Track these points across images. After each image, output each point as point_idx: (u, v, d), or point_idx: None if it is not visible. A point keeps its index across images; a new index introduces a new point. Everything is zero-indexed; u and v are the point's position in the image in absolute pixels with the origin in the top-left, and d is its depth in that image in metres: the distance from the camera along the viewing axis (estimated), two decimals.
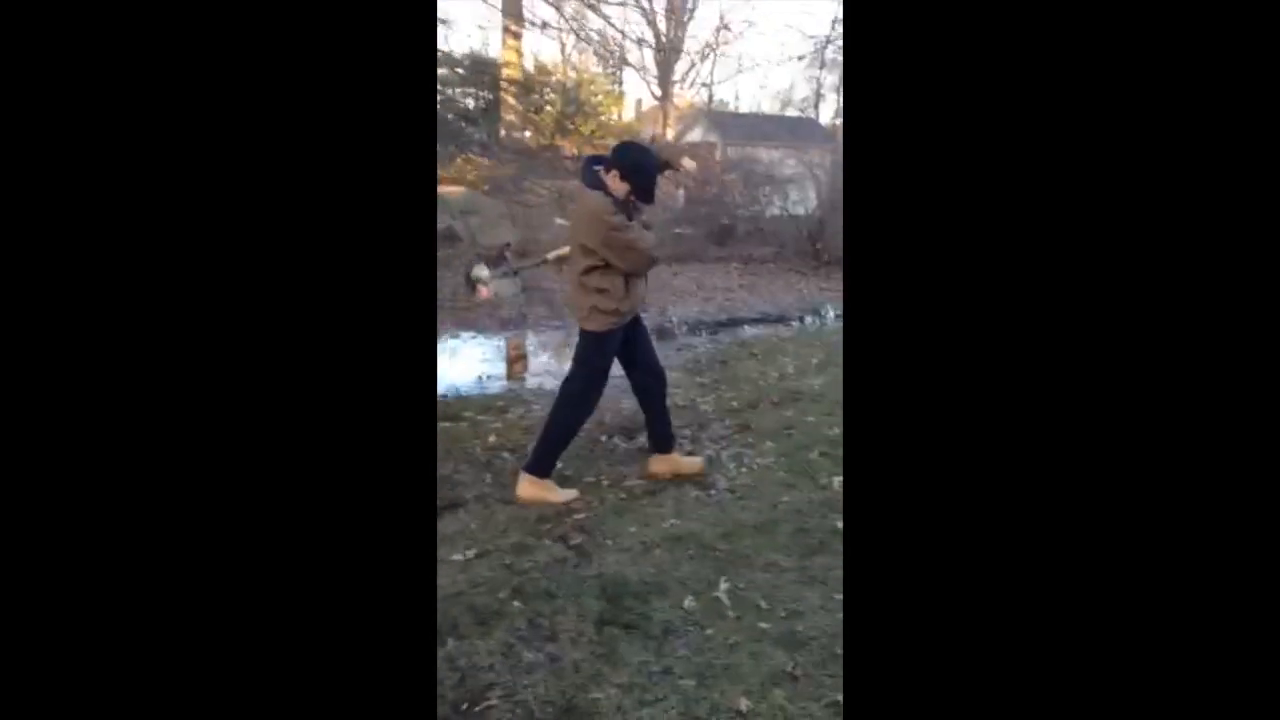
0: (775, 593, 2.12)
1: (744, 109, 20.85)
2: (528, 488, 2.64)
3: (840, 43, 17.59)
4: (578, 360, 2.71)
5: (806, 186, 10.94)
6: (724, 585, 2.14)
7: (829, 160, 12.99)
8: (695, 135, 17.05)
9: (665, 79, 17.72)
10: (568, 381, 2.71)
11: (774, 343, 5.29)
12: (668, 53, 17.49)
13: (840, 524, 2.49)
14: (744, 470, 3.01)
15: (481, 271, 6.04)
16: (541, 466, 2.66)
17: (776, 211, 11.73)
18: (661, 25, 17.29)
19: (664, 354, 5.25)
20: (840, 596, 2.07)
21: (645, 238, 2.61)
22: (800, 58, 18.76)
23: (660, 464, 2.89)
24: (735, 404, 3.90)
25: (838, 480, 2.85)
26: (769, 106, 21.69)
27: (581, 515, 2.55)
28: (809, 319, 6.69)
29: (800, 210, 10.57)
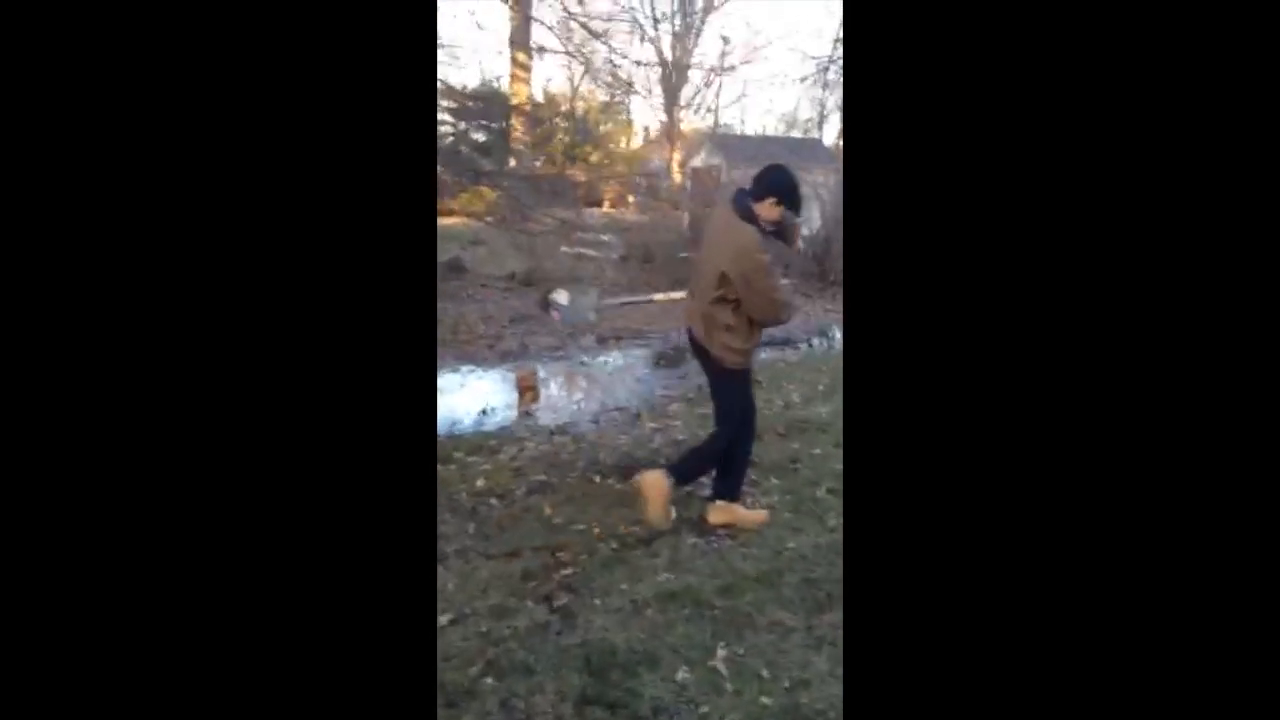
0: (779, 659, 1.91)
1: (750, 132, 20.82)
2: (718, 514, 2.64)
3: (841, 63, 17.55)
4: (726, 403, 2.62)
5: (811, 206, 10.78)
6: (721, 652, 1.93)
7: (833, 180, 12.87)
8: (700, 159, 16.99)
9: (671, 104, 17.74)
10: (728, 426, 2.61)
11: (780, 369, 5.09)
12: (673, 77, 17.52)
13: None
14: None
15: (560, 297, 5.95)
16: (733, 491, 2.65)
17: None
18: (667, 50, 17.35)
19: (667, 382, 5.08)
20: None
21: (784, 290, 2.49)
22: (803, 79, 18.65)
23: (718, 514, 2.67)
24: None
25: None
26: (774, 129, 21.66)
27: (569, 571, 2.35)
28: (816, 341, 6.49)
29: (805, 231, 10.41)
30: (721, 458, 2.63)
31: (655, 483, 2.56)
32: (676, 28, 17.55)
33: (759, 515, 2.70)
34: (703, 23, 18.20)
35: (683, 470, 2.63)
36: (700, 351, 2.58)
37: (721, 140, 17.51)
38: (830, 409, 4.02)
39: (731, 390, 2.60)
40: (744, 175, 12.30)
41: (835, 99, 20.20)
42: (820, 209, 9.96)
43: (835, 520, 2.68)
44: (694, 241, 11.34)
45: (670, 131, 17.78)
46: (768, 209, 2.41)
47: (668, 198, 13.18)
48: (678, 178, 15.85)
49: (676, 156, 16.91)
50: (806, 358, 5.63)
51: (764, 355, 5.78)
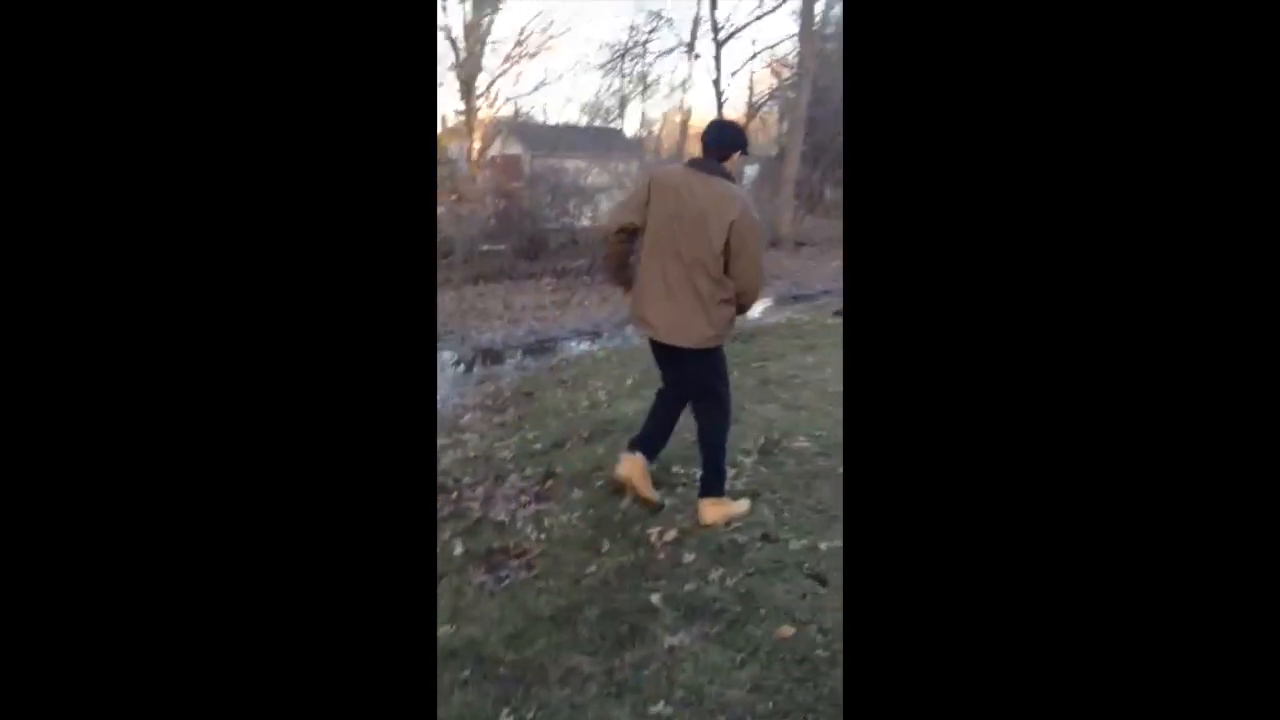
0: (574, 716, 1.62)
1: (553, 121, 20.53)
2: (712, 510, 2.48)
3: (637, 50, 17.73)
4: (706, 382, 2.46)
5: (615, 196, 10.71)
6: None
7: (635, 168, 12.90)
8: (498, 148, 16.45)
9: (468, 93, 17.02)
10: (707, 405, 2.48)
11: (587, 365, 4.85)
12: (468, 67, 16.81)
13: (655, 597, 2.04)
14: (544, 536, 2.49)
15: None
16: (717, 488, 2.50)
17: (587, 223, 11.43)
18: (460, 39, 16.58)
19: (462, 389, 4.67)
20: (659, 708, 1.62)
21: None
22: (599, 67, 18.64)
23: (713, 511, 2.48)
24: (539, 446, 3.38)
25: (654, 532, 2.41)
26: (577, 118, 21.50)
27: None
28: (630, 331, 6.33)
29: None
30: (725, 442, 2.50)
31: (712, 513, 2.45)
32: (468, 14, 16.83)
33: (743, 505, 2.57)
34: (495, 9, 17.60)
35: (709, 479, 2.50)
36: (668, 351, 2.40)
37: (521, 129, 17.08)
38: (637, 406, 3.82)
39: (719, 370, 2.47)
40: (544, 165, 11.92)
41: (634, 87, 20.47)
42: (620, 199, 9.90)
43: (639, 530, 2.44)
44: (497, 233, 10.89)
45: (469, 121, 17.07)
46: (733, 164, 2.37)
47: (467, 188, 12.57)
48: (476, 169, 15.22)
49: (476, 146, 16.25)
50: (615, 353, 5.42)
51: (573, 350, 5.54)
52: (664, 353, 2.45)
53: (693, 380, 2.48)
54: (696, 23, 16.62)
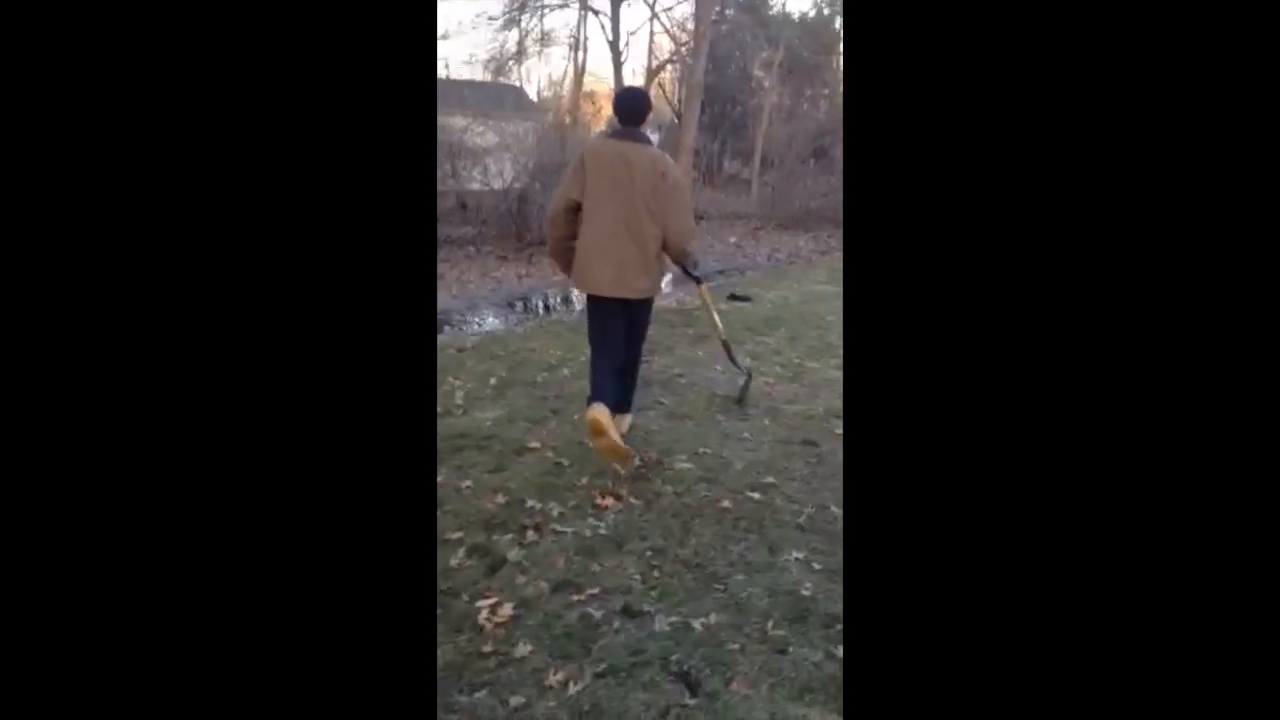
0: None
1: (457, 76, 19.18)
2: (624, 421, 3.03)
3: (535, 4, 16.73)
4: (640, 328, 2.95)
5: (504, 158, 9.95)
6: None
7: (530, 128, 12.10)
8: None
9: None
10: (638, 346, 3.01)
11: (451, 356, 4.23)
12: None
13: None
14: None
15: None
16: (627, 405, 3.06)
17: (477, 186, 10.62)
18: None
19: None
20: None
21: None
22: (491, 19, 17.52)
23: (622, 422, 2.97)
24: None
25: (485, 608, 1.90)
26: (481, 75, 20.17)
27: None
28: (516, 308, 5.72)
29: (498, 184, 9.56)
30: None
31: (604, 413, 2.58)
32: None
33: (630, 421, 3.11)
34: None
35: (629, 398, 3.06)
36: (617, 305, 2.74)
37: None
38: (498, 414, 3.28)
39: (647, 315, 2.95)
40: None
41: (533, 44, 19.39)
42: (512, 161, 9.16)
43: (467, 605, 1.93)
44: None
45: None
46: (651, 129, 2.78)
47: None
48: None
49: None
50: (488, 340, 4.82)
51: (441, 336, 4.91)
52: (607, 307, 2.76)
53: (635, 328, 2.88)
54: None
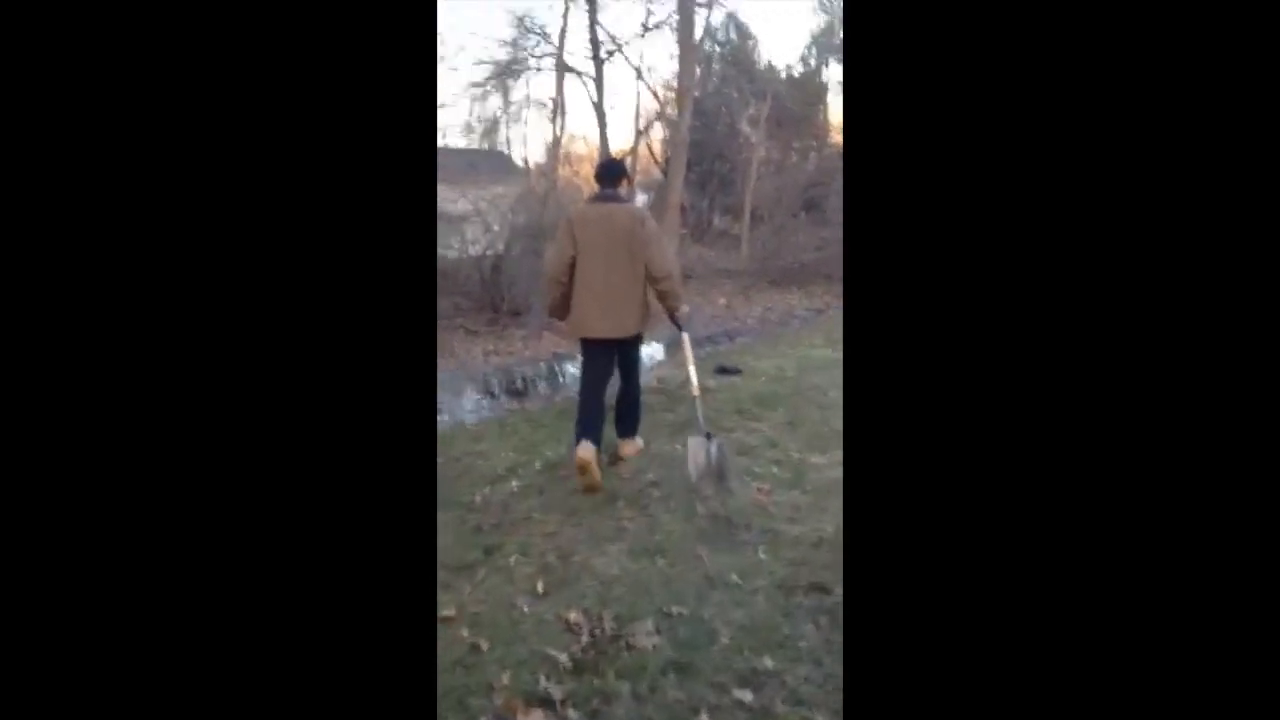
0: None
1: (454, 144, 18.92)
2: (628, 447, 3.49)
3: (518, 68, 16.55)
4: (631, 363, 3.37)
5: (489, 223, 9.39)
6: None
7: (512, 195, 11.59)
8: None
9: None
10: (637, 380, 3.43)
11: None
12: None
13: None
14: None
15: None
16: (632, 432, 3.52)
17: (454, 254, 10.07)
18: None
19: None
20: None
21: None
22: (476, 85, 17.31)
23: (630, 448, 3.49)
24: None
25: None
26: (476, 140, 19.87)
27: None
28: (473, 403, 5.00)
29: (475, 250, 8.98)
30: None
31: (630, 450, 3.45)
32: None
33: (639, 444, 3.53)
34: None
35: (635, 426, 3.52)
36: (607, 345, 3.23)
37: None
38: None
39: (637, 350, 3.37)
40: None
41: (517, 109, 19.19)
42: (484, 226, 8.57)
43: None
44: None
45: None
46: (625, 188, 3.35)
47: None
48: None
49: None
50: (445, 435, 4.10)
51: None
52: (602, 349, 3.22)
53: (625, 363, 3.30)
54: (563, 35, 15.49)
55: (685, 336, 3.43)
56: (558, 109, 16.99)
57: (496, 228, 8.43)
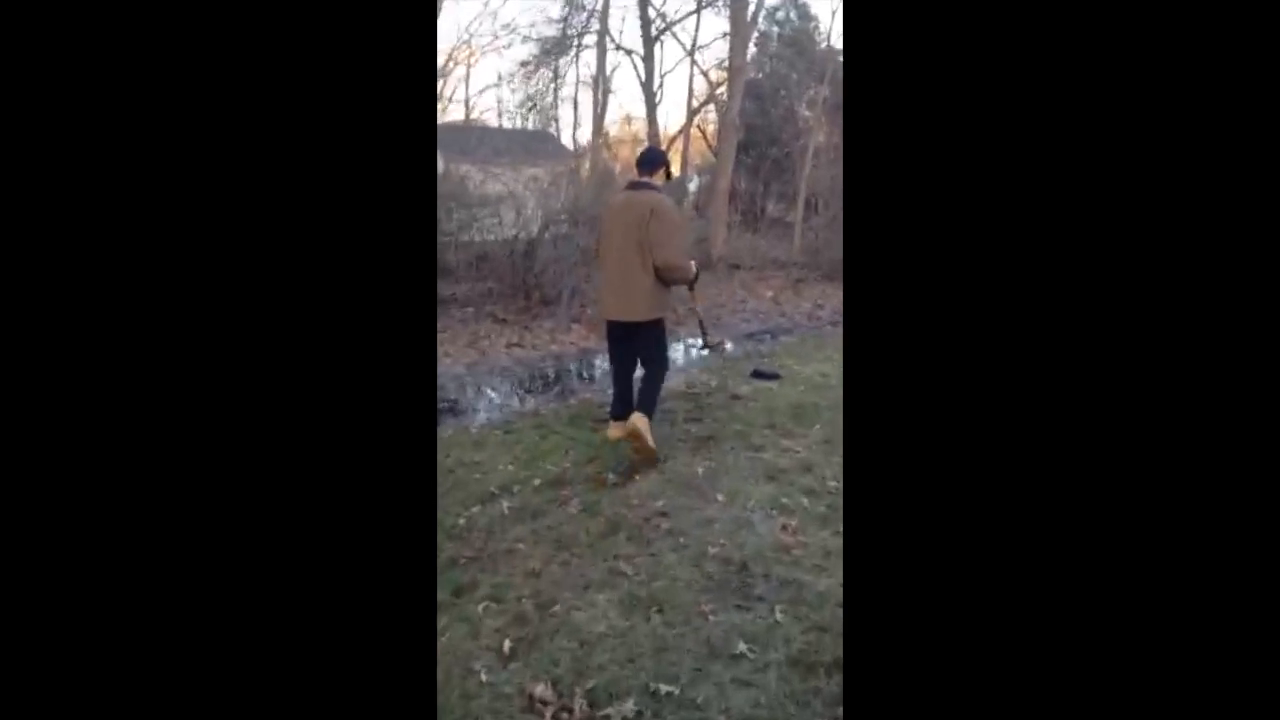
0: None
1: (507, 124, 18.67)
2: (640, 421, 3.23)
3: (569, 45, 16.16)
4: (649, 351, 3.37)
5: (521, 205, 9.04)
6: None
7: (549, 176, 11.22)
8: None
9: None
10: (657, 365, 3.38)
11: None
12: None
13: None
14: None
15: None
16: (648, 411, 3.31)
17: (492, 236, 9.78)
18: None
19: None
20: None
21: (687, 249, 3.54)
22: (524, 64, 16.94)
23: (640, 422, 3.23)
24: None
25: None
26: (532, 120, 19.56)
27: None
28: (474, 403, 4.66)
29: (511, 233, 8.64)
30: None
31: (642, 423, 3.21)
32: None
33: (634, 425, 3.26)
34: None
35: (648, 406, 3.32)
36: (623, 328, 3.33)
37: (441, 133, 15.27)
38: None
39: (657, 336, 3.36)
40: (458, 170, 10.08)
41: (568, 86, 18.77)
42: (517, 207, 8.20)
43: None
44: None
45: None
46: (659, 178, 3.30)
47: None
48: None
49: None
50: (464, 439, 3.77)
51: None
52: (617, 330, 3.39)
53: (640, 349, 3.39)
54: (605, 10, 14.96)
55: (696, 290, 3.70)
56: (598, 87, 16.51)
57: (530, 210, 8.06)
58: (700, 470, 3.20)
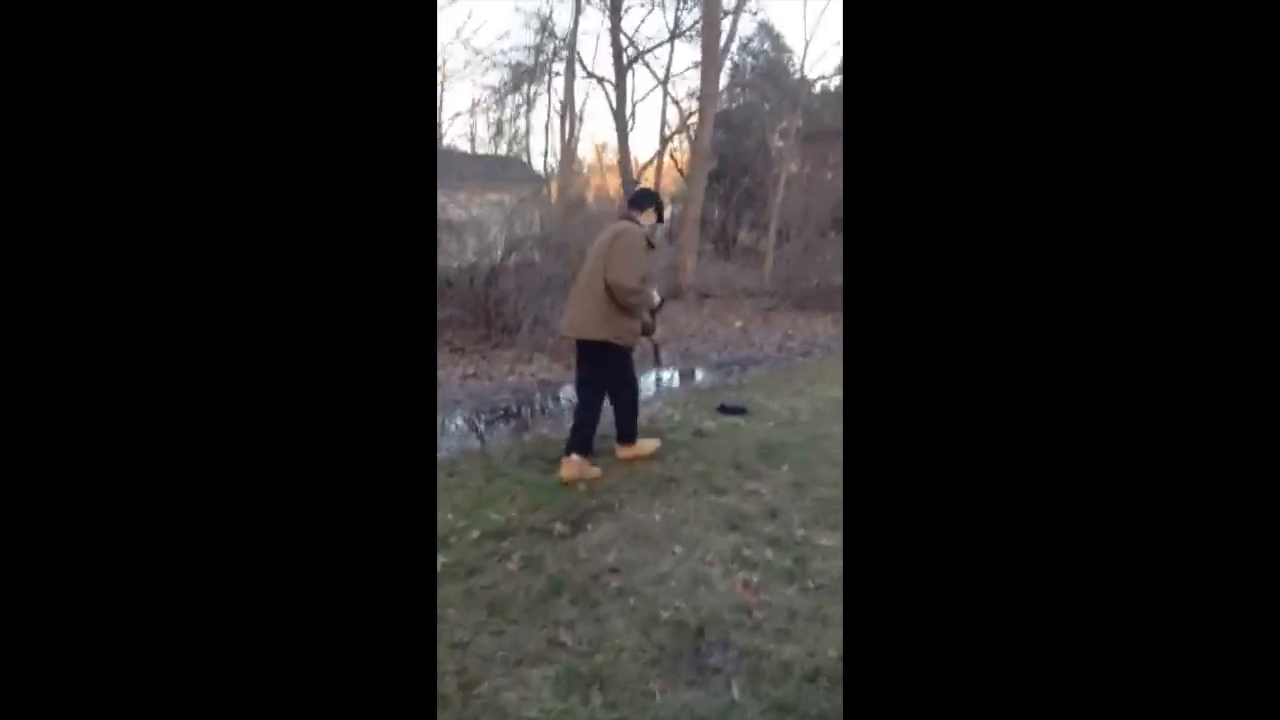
0: None
1: (480, 151, 18.45)
2: (625, 451, 3.59)
3: (538, 72, 16.10)
4: (611, 379, 3.42)
5: (484, 231, 8.79)
6: None
7: (514, 201, 11.01)
8: None
9: None
10: (623, 391, 3.48)
11: None
12: None
13: None
14: None
15: None
16: (628, 437, 3.59)
17: (456, 264, 9.53)
18: None
19: None
20: None
21: (645, 278, 3.32)
22: (494, 89, 16.84)
23: (628, 451, 3.58)
24: None
25: None
26: (505, 146, 19.33)
27: None
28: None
29: (471, 259, 8.38)
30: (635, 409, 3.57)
31: (571, 470, 3.30)
32: None
33: (653, 443, 3.70)
34: None
35: (626, 432, 3.58)
36: (583, 349, 3.36)
37: None
38: None
39: (618, 359, 3.38)
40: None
41: (539, 115, 18.60)
42: (479, 235, 7.94)
43: None
44: None
45: None
46: (646, 217, 3.42)
47: None
48: None
49: None
50: None
51: None
52: (579, 350, 3.43)
53: (602, 375, 3.39)
54: (573, 36, 14.91)
55: (653, 344, 3.69)
56: (567, 113, 16.41)
57: (494, 236, 7.82)
58: (659, 517, 2.96)
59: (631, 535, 2.78)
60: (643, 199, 3.49)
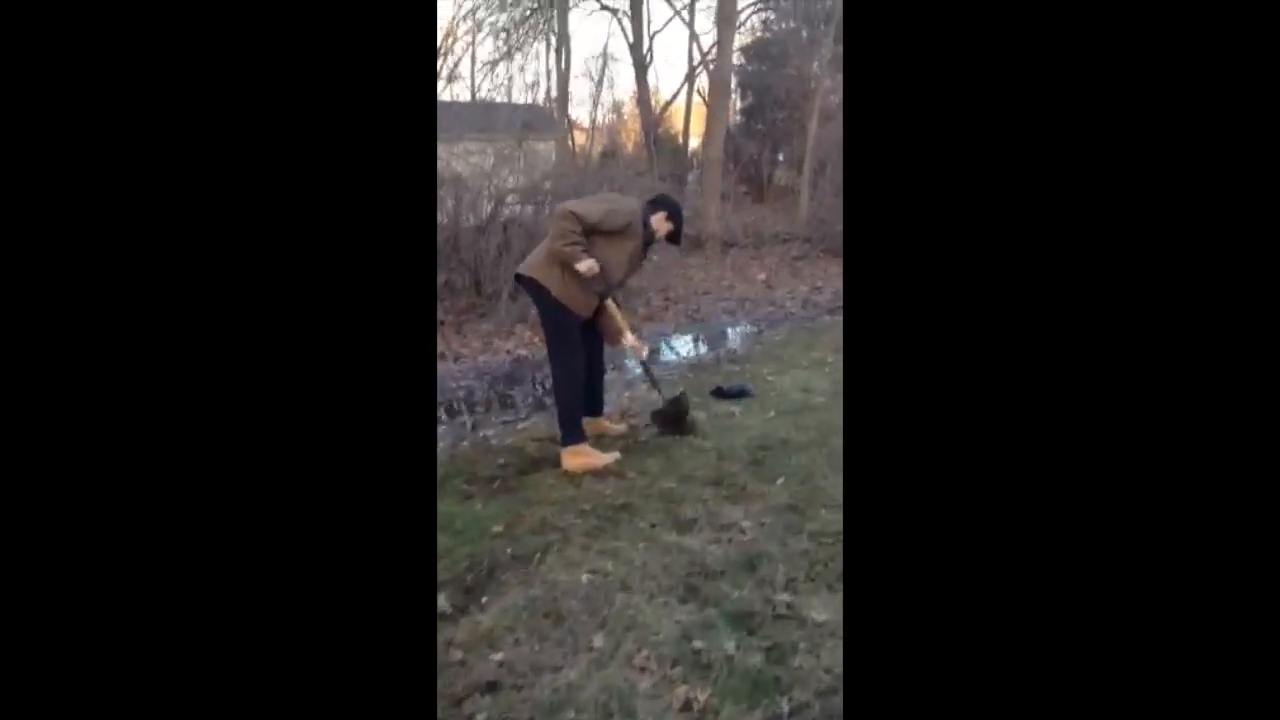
0: None
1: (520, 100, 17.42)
2: (570, 459, 2.92)
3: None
4: (555, 336, 3.04)
5: (464, 188, 7.89)
6: None
7: (509, 150, 10.02)
8: None
9: None
10: (554, 364, 3.06)
11: None
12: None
13: None
14: None
15: None
16: (569, 438, 2.95)
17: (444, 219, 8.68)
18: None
19: None
20: None
21: (574, 246, 2.85)
22: (502, 29, 15.70)
23: (571, 459, 2.94)
24: None
25: None
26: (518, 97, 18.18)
27: None
28: None
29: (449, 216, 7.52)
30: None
31: (573, 461, 2.91)
32: None
33: (607, 457, 2.95)
34: None
35: (560, 424, 3.00)
36: (538, 302, 3.02)
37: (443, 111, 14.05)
38: None
39: (552, 315, 2.97)
40: (447, 150, 8.60)
41: (557, 56, 17.39)
42: (456, 193, 6.99)
43: None
44: None
45: None
46: (660, 221, 3.13)
47: None
48: None
49: None
50: None
51: None
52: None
53: (548, 339, 3.07)
54: None
55: (609, 303, 3.16)
56: (561, 44, 15.01)
57: (480, 192, 6.93)
58: (586, 579, 2.13)
59: (540, 616, 1.96)
60: (661, 203, 3.22)
